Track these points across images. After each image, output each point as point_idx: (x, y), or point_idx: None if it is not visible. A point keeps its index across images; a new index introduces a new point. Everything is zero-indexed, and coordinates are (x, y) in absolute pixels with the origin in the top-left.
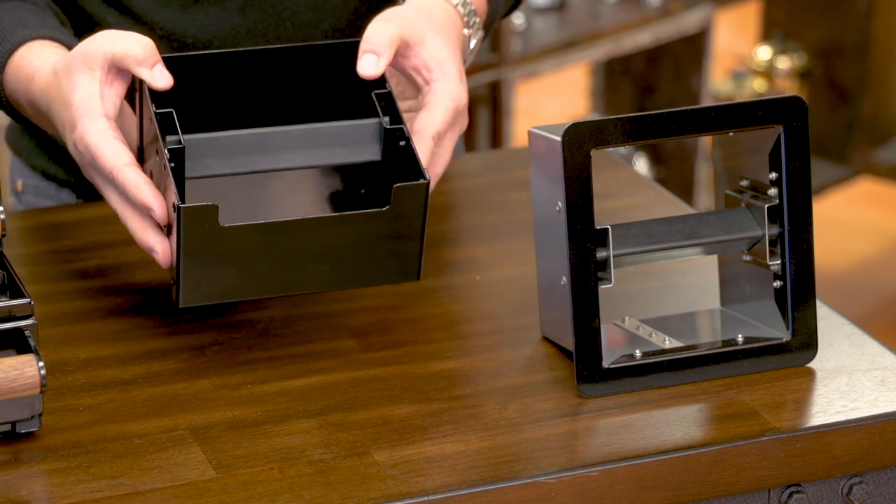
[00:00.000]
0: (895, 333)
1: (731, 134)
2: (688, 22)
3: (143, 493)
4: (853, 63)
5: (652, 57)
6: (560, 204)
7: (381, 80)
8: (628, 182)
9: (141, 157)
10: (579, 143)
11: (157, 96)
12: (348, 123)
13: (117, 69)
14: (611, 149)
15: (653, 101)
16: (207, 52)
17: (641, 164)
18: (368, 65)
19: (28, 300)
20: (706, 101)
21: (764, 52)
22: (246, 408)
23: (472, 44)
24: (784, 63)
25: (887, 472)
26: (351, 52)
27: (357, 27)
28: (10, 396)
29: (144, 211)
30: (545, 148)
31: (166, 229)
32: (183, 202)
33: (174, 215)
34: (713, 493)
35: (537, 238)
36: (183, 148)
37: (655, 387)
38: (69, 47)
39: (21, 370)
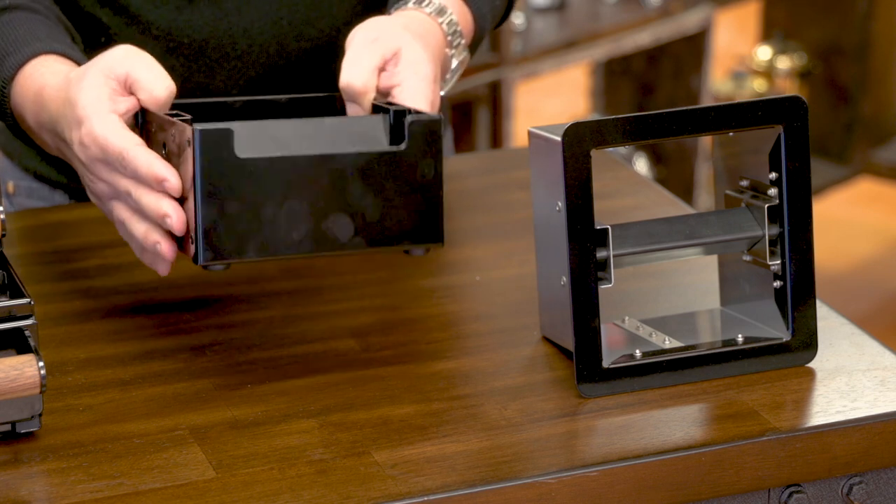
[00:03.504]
0: (895, 333)
1: (731, 134)
2: (688, 22)
3: (143, 493)
4: (853, 63)
5: (652, 57)
6: (560, 204)
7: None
8: (628, 182)
9: None
10: (579, 143)
11: None
12: (357, 118)
13: (132, 92)
14: (611, 149)
15: (653, 101)
16: (209, 99)
17: (641, 164)
18: (356, 112)
19: (28, 300)
20: (706, 101)
21: (764, 52)
22: (246, 408)
23: (454, 64)
24: (784, 63)
25: (887, 472)
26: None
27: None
28: (10, 396)
29: (158, 185)
30: (545, 148)
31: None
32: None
33: (188, 149)
34: (713, 493)
35: (537, 238)
36: (190, 121)
37: (655, 387)
38: (80, 65)
39: (21, 370)
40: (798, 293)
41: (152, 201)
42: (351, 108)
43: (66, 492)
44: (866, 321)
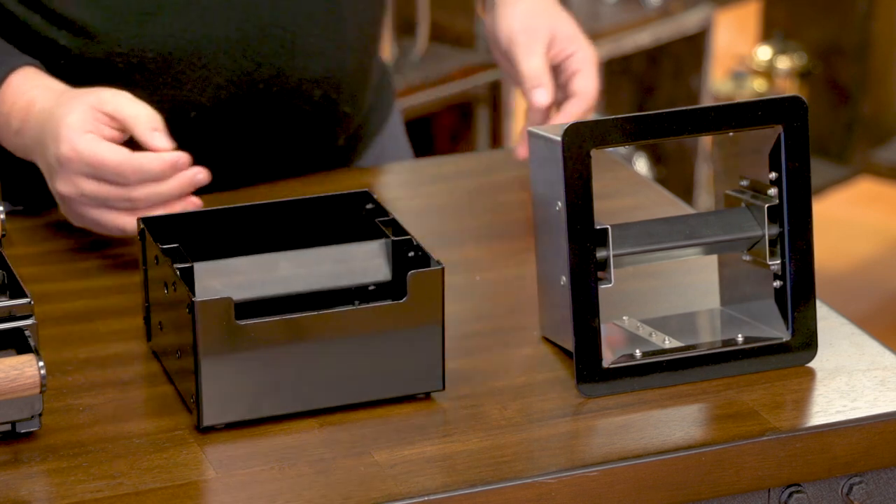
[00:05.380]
0: (895, 333)
1: (731, 134)
2: (688, 22)
3: (143, 493)
4: (853, 63)
5: (652, 57)
6: (560, 204)
7: (383, 210)
8: (628, 182)
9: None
10: (579, 143)
11: (162, 238)
12: (355, 246)
13: (119, 123)
14: (611, 149)
15: (653, 101)
16: (207, 209)
17: (641, 164)
18: (541, 97)
19: (28, 300)
20: (706, 101)
21: (764, 52)
22: None
23: None
24: (784, 63)
25: (887, 472)
26: (349, 202)
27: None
28: (10, 396)
29: (174, 170)
30: (545, 148)
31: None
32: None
33: (188, 318)
34: (713, 493)
35: (537, 238)
36: (192, 267)
37: (655, 387)
38: None
39: (21, 370)
40: (798, 293)
41: (171, 185)
42: (538, 94)
43: (66, 492)
44: (866, 321)
